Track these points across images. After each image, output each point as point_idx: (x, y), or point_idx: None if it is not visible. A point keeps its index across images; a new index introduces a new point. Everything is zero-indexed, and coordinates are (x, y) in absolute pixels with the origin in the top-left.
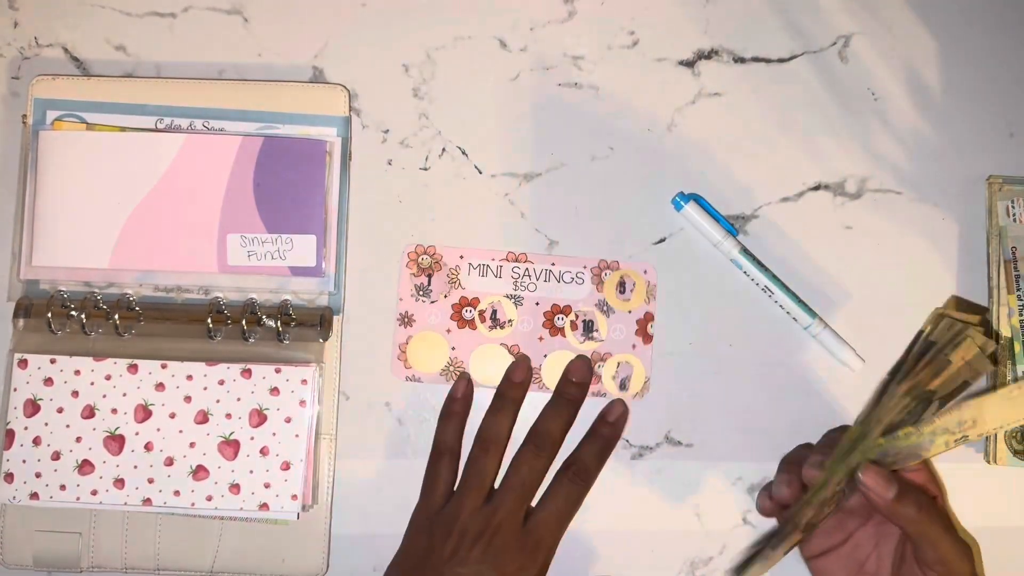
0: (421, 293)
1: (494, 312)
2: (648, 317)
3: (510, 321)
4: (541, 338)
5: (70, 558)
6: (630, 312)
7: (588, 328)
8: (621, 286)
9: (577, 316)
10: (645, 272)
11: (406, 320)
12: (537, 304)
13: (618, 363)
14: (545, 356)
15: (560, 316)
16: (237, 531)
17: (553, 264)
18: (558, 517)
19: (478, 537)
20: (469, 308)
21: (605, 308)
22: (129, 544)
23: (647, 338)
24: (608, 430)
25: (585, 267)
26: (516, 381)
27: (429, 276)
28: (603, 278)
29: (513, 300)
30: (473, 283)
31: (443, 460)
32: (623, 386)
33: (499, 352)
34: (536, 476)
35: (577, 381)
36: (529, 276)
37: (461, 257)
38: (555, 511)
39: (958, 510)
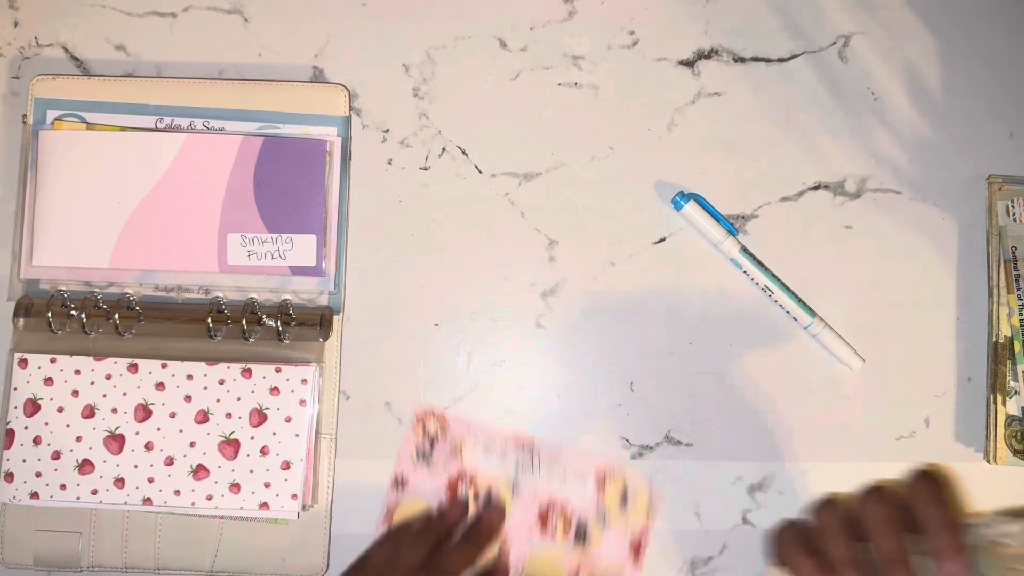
0: (422, 458)
1: (488, 494)
2: (643, 538)
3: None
4: (530, 529)
5: (70, 558)
6: (627, 530)
7: (580, 534)
8: (624, 498)
9: (571, 518)
10: (650, 482)
11: (400, 483)
12: (534, 500)
13: None
14: (531, 550)
15: (553, 515)
16: (237, 531)
17: (559, 452)
18: None
19: None
20: (464, 484)
21: (604, 519)
22: (129, 544)
23: (637, 562)
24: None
25: (590, 464)
26: (451, 518)
27: (432, 443)
28: (606, 483)
29: (512, 487)
30: (475, 457)
31: None
32: None
33: None
34: None
35: (488, 531)
36: (532, 464)
37: (468, 429)
38: None
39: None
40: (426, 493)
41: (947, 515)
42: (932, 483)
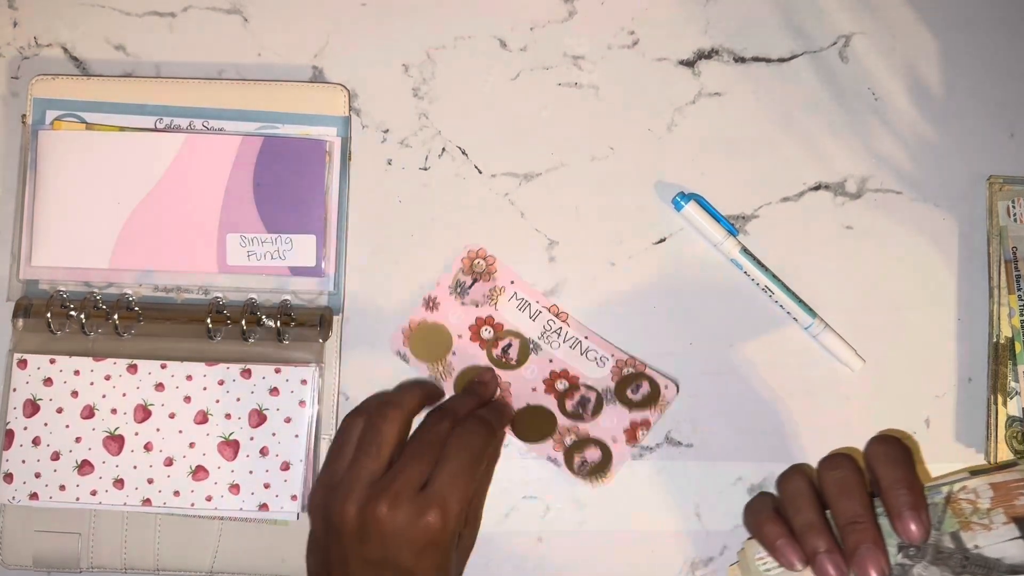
0: (459, 290)
1: (508, 345)
2: (644, 424)
3: (518, 362)
4: (534, 389)
5: (70, 558)
6: (630, 411)
7: (583, 404)
8: (635, 387)
9: (579, 390)
10: (666, 388)
11: (431, 304)
12: (551, 361)
13: (590, 445)
14: (527, 404)
15: (562, 381)
16: (237, 531)
17: (586, 337)
18: (453, 473)
19: (374, 506)
20: (489, 328)
21: (609, 397)
22: (129, 544)
23: (632, 438)
24: (484, 389)
25: (612, 355)
26: (485, 395)
27: (474, 280)
28: (623, 372)
29: (532, 346)
30: (507, 310)
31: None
32: (582, 466)
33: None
34: (438, 439)
35: (487, 383)
36: (559, 335)
37: (512, 282)
38: (451, 468)
39: None
40: (450, 323)
41: (903, 474)
42: (889, 446)
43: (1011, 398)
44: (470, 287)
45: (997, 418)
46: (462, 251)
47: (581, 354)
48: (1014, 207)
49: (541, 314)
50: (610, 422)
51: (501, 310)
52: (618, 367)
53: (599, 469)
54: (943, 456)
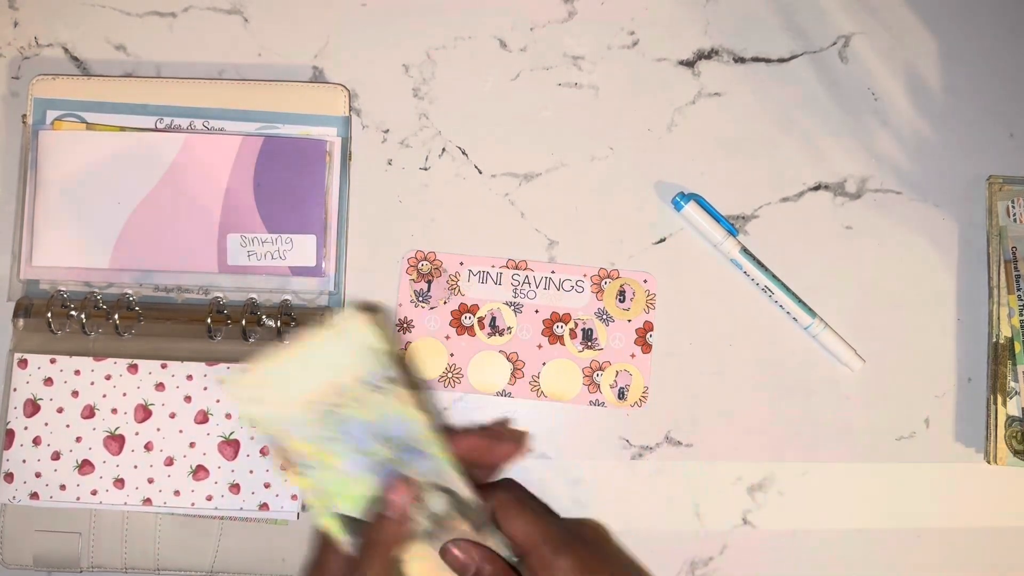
0: (420, 299)
1: (493, 319)
2: (647, 327)
3: (509, 328)
4: (540, 346)
5: (70, 558)
6: (629, 321)
7: (587, 336)
8: (621, 295)
9: (576, 324)
10: (645, 281)
11: (405, 326)
12: (537, 312)
13: (616, 372)
14: (544, 364)
15: (559, 324)
16: (237, 531)
17: (553, 272)
18: None
19: None
20: (468, 315)
21: (604, 317)
22: (129, 544)
23: (646, 347)
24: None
25: (585, 275)
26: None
27: (429, 282)
28: (603, 287)
29: (512, 307)
30: (473, 290)
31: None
32: (621, 395)
33: (498, 359)
34: None
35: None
36: (529, 283)
37: (461, 263)
38: None
39: (959, 510)
40: (432, 331)
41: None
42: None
43: (1011, 398)
44: (428, 291)
45: (997, 418)
46: (402, 263)
47: (557, 289)
48: (1014, 207)
49: (502, 274)
50: (619, 341)
51: (467, 292)
52: (597, 285)
53: (637, 389)
54: (943, 456)
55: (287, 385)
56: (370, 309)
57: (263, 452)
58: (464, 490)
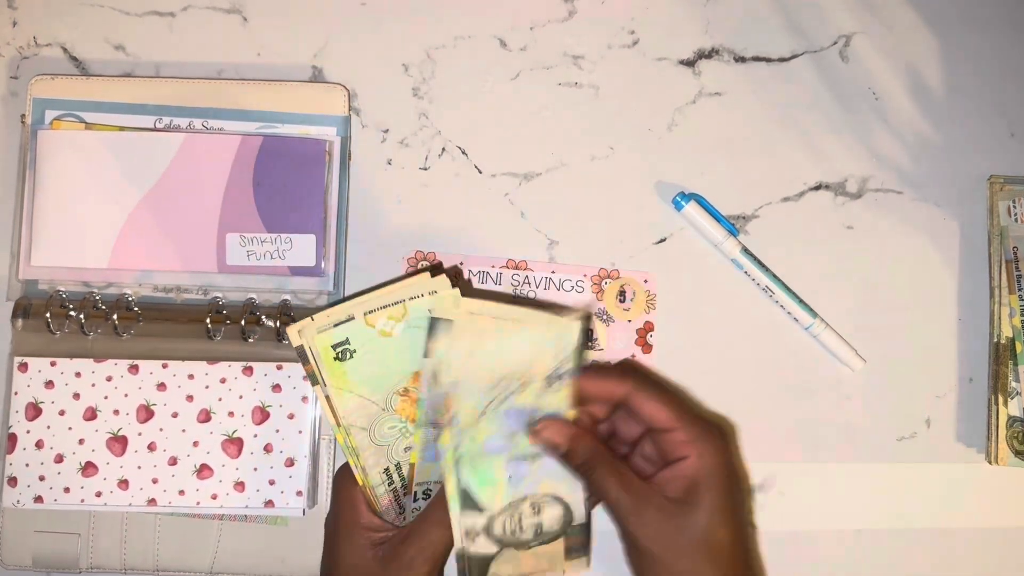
0: None
1: None
2: (648, 327)
3: None
4: None
5: (69, 559)
6: (630, 321)
7: (588, 337)
8: (621, 295)
9: None
10: (645, 281)
11: None
12: None
13: None
14: None
15: None
16: (236, 531)
17: (553, 272)
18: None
19: None
20: None
21: (605, 317)
22: (128, 544)
23: (647, 347)
24: None
25: (585, 275)
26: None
27: None
28: (603, 287)
29: None
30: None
31: None
32: None
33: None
34: None
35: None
36: (529, 283)
37: (461, 264)
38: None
39: (959, 510)
40: None
41: None
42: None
43: (1012, 398)
44: None
45: (998, 418)
46: (402, 263)
47: (558, 289)
48: (1015, 207)
49: (502, 274)
50: (619, 342)
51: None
52: (597, 285)
53: None
54: (944, 457)
55: (492, 349)
56: (587, 316)
57: (267, 450)
58: (579, 507)
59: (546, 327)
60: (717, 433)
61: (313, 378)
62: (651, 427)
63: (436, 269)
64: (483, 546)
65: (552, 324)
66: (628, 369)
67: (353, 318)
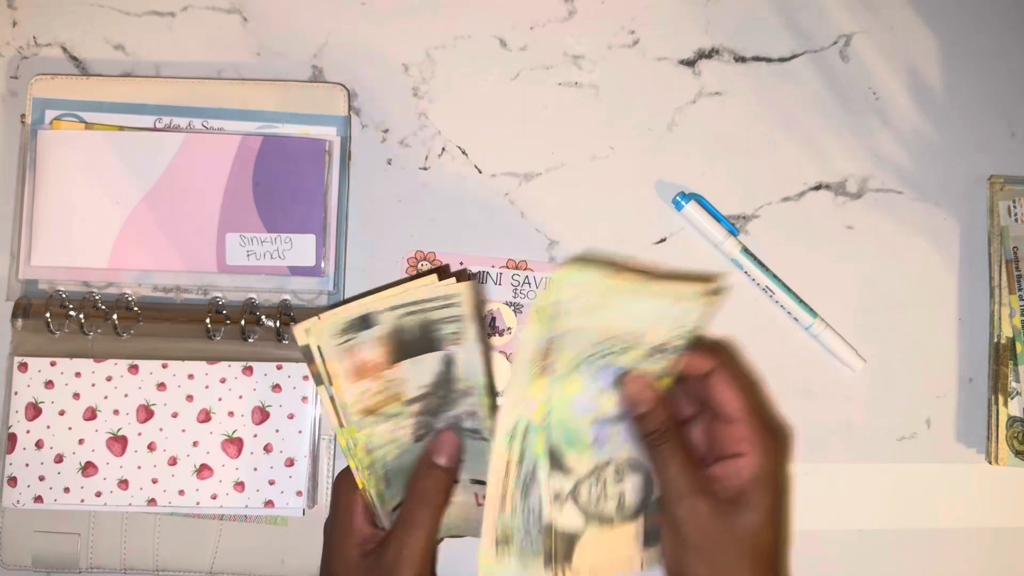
0: None
1: (493, 319)
2: None
3: (509, 329)
4: None
5: (69, 559)
6: None
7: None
8: None
9: None
10: None
11: None
12: None
13: None
14: None
15: None
16: (236, 531)
17: (552, 268)
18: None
19: None
20: None
21: None
22: (128, 544)
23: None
24: None
25: None
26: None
27: None
28: None
29: (513, 307)
30: None
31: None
32: None
33: (498, 359)
34: None
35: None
36: (529, 283)
37: (461, 264)
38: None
39: (960, 510)
40: None
41: None
42: None
43: (1012, 398)
44: None
45: (998, 418)
46: (402, 263)
47: None
48: (1015, 207)
49: (502, 274)
50: None
51: None
52: None
53: None
54: (944, 457)
55: (614, 308)
56: (717, 292)
57: (267, 450)
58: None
59: (673, 301)
60: (778, 436)
61: (317, 378)
62: (717, 413)
63: (443, 272)
64: (570, 518)
65: (680, 300)
66: (718, 347)
67: (365, 319)
